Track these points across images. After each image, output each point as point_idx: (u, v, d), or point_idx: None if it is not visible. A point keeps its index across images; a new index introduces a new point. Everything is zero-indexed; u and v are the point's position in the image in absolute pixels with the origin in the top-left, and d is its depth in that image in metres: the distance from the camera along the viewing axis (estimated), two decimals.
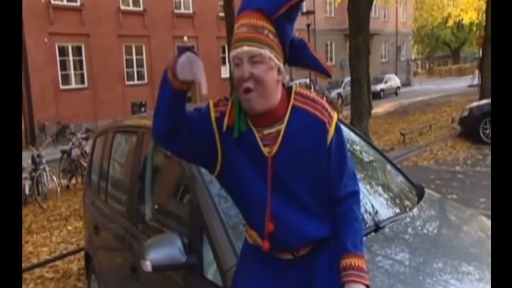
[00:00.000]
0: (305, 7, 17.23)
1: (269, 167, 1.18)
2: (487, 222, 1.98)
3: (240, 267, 1.30)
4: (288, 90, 1.23)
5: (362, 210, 1.75)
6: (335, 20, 23.29)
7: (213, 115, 1.22)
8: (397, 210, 1.95)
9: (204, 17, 16.96)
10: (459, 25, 23.04)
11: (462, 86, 21.34)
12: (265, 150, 1.19)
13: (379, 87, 21.71)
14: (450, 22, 17.10)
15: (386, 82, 22.76)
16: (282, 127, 1.19)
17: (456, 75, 35.90)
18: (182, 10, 16.92)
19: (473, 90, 16.90)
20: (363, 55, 8.10)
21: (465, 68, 36.04)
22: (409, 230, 1.83)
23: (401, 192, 2.14)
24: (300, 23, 15.40)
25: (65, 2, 14.03)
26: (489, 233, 1.80)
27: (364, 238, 1.59)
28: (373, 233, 1.68)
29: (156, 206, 2.11)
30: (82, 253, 3.40)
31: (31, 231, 5.35)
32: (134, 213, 2.17)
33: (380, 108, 16.00)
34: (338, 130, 1.23)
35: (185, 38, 16.71)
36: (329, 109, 1.24)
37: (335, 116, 1.24)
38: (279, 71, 1.16)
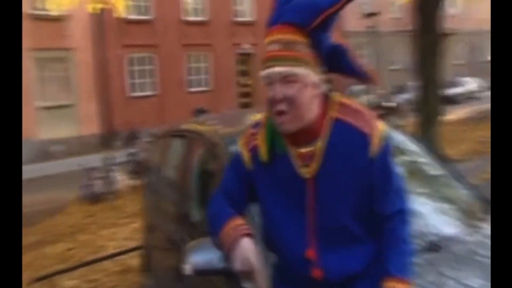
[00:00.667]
0: (368, 8, 16.59)
1: (309, 189, 1.09)
2: None
3: (275, 279, 1.24)
4: (328, 99, 1.13)
5: (424, 228, 1.59)
6: (401, 20, 22.08)
7: (246, 158, 1.18)
8: (466, 229, 1.74)
9: (264, 24, 17.17)
10: None
11: None
12: (304, 171, 1.10)
13: (454, 91, 19.96)
14: None
15: (462, 85, 20.88)
16: (322, 143, 1.09)
17: None
18: (243, 18, 17.29)
19: None
20: (432, 57, 7.50)
21: None
22: (482, 251, 1.61)
23: (470, 208, 1.92)
24: (363, 25, 14.83)
25: (138, 16, 15.07)
26: None
27: (427, 257, 1.43)
28: (436, 252, 1.51)
29: (204, 210, 2.13)
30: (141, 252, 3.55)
31: (102, 227, 5.78)
32: (183, 215, 2.21)
33: (454, 114, 14.78)
34: (384, 142, 1.10)
35: (246, 46, 17.03)
36: (374, 119, 1.13)
37: (380, 127, 1.12)
38: (315, 85, 1.08)
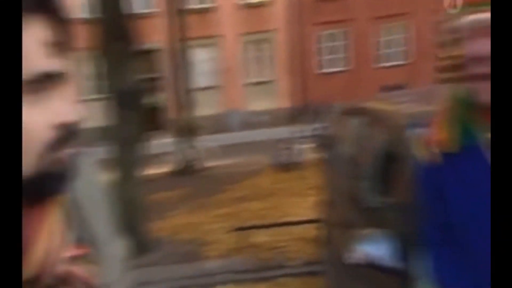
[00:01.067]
0: None
1: None
2: None
3: None
4: None
5: None
6: None
7: (429, 155, 0.95)
8: None
9: None
10: None
11: None
12: None
13: None
14: None
15: None
16: None
17: None
18: None
19: None
20: None
21: None
22: None
23: None
24: None
25: None
26: None
27: None
28: None
29: (381, 197, 1.96)
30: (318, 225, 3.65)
31: (288, 194, 6.27)
32: (357, 199, 2.09)
33: None
34: None
35: (445, 10, 14.55)
36: None
37: None
38: None
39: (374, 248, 1.38)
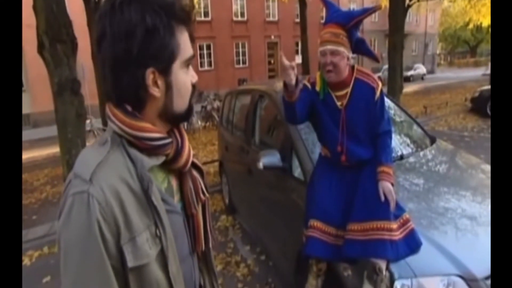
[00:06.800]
0: None
1: (342, 113, 1.24)
2: (489, 168, 1.73)
3: (316, 169, 1.39)
4: (352, 68, 1.25)
5: (394, 147, 1.67)
6: (378, 23, 19.86)
7: (308, 84, 1.28)
8: (416, 148, 1.83)
9: (285, 22, 15.95)
10: (478, 27, 17.51)
11: (477, 75, 17.12)
12: (339, 104, 1.24)
13: (409, 73, 18.36)
14: (471, 25, 13.31)
15: (415, 69, 19.13)
16: (349, 90, 1.23)
17: (473, 66, 28.46)
18: (271, 18, 16.04)
19: (485, 78, 13.69)
20: (398, 49, 6.88)
21: (480, 61, 28.20)
22: (423, 165, 1.71)
23: (419, 138, 1.98)
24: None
25: (201, 18, 14.27)
26: (489, 175, 1.58)
27: (394, 164, 1.54)
28: (398, 161, 1.63)
29: (263, 135, 2.23)
30: (217, 163, 3.76)
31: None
32: (249, 139, 2.33)
33: (409, 88, 13.80)
34: (382, 92, 1.25)
35: (272, 37, 15.99)
36: (378, 80, 1.25)
37: (380, 84, 1.25)
38: (348, 58, 1.20)
39: (269, 158, 1.65)
